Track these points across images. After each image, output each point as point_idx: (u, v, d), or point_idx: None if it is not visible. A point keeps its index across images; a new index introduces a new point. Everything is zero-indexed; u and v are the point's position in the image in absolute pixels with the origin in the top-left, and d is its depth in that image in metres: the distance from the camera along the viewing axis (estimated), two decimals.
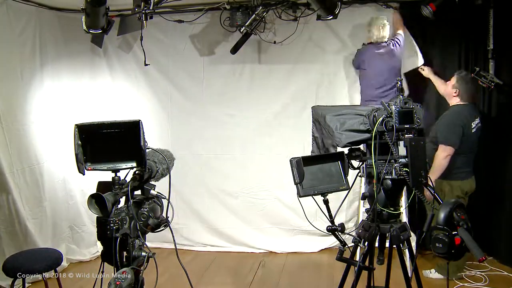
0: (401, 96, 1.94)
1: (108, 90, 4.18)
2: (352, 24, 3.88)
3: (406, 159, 1.89)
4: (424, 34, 3.77)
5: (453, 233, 1.64)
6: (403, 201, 2.96)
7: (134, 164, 1.66)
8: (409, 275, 2.14)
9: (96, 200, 1.52)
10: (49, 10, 3.69)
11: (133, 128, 1.62)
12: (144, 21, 2.93)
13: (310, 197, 1.99)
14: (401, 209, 2.12)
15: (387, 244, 2.16)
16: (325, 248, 4.03)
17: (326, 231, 2.00)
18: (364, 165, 2.10)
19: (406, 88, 3.72)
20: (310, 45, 3.97)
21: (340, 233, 2.00)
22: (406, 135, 1.90)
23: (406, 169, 1.88)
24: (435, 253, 1.69)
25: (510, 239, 3.53)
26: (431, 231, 1.70)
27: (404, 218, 3.36)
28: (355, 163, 2.15)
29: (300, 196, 1.97)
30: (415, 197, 1.92)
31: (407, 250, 2.10)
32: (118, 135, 1.63)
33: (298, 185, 1.96)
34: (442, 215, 1.68)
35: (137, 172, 1.71)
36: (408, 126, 1.91)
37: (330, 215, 2.01)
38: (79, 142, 1.61)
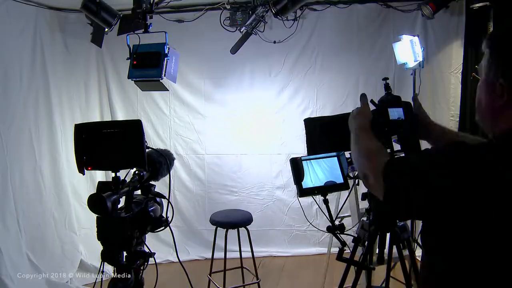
0: (386, 94, 1.96)
1: (109, 90, 4.18)
2: (352, 24, 3.88)
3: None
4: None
5: None
6: None
7: (134, 164, 1.66)
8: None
9: (96, 200, 1.52)
10: (49, 10, 3.69)
11: (133, 128, 1.62)
12: (144, 22, 2.93)
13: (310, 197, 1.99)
14: None
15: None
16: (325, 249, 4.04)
17: (326, 231, 2.00)
18: None
19: None
20: (310, 45, 3.98)
21: (339, 233, 2.00)
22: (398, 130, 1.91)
23: None
24: None
25: None
26: None
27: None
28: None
29: (300, 196, 1.98)
30: None
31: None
32: (118, 135, 1.63)
33: (298, 185, 1.96)
34: None
35: (137, 172, 1.72)
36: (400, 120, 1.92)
37: (330, 215, 2.01)
38: (79, 142, 1.61)
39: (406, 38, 3.25)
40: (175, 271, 3.65)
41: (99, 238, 1.58)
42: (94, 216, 1.57)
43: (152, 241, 3.64)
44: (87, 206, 1.52)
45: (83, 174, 1.63)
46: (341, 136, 2.10)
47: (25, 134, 3.45)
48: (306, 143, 2.21)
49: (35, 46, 3.55)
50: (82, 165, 1.62)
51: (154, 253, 1.73)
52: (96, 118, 4.15)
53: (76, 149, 1.61)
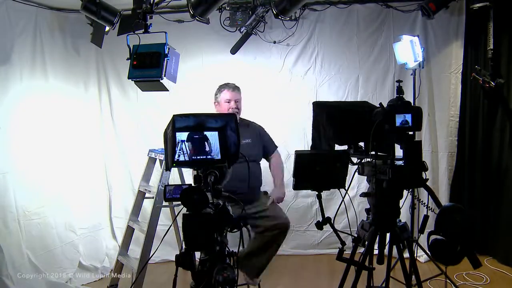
0: (396, 97, 1.96)
1: (109, 90, 4.18)
2: (352, 24, 3.88)
3: (403, 160, 1.90)
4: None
5: (452, 236, 1.63)
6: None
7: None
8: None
9: (192, 195, 1.52)
10: (49, 10, 3.68)
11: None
12: (144, 22, 2.93)
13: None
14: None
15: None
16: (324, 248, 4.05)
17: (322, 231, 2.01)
18: (362, 162, 2.10)
19: None
20: (310, 45, 3.98)
21: (330, 225, 2.00)
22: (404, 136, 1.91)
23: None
24: (433, 257, 1.69)
25: (510, 239, 3.53)
26: (429, 235, 1.69)
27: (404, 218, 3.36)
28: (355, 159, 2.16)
29: (294, 189, 1.99)
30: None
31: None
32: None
33: (295, 177, 1.97)
34: (440, 219, 1.67)
35: (212, 172, 1.73)
36: (406, 126, 1.91)
37: (322, 210, 2.02)
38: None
39: (406, 38, 3.26)
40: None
41: (185, 236, 1.56)
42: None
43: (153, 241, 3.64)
44: (180, 201, 1.51)
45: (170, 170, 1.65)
46: (347, 127, 2.08)
47: (25, 133, 3.44)
48: (312, 128, 2.19)
49: (35, 46, 3.54)
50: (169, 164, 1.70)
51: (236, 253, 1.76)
52: (96, 118, 4.15)
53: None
